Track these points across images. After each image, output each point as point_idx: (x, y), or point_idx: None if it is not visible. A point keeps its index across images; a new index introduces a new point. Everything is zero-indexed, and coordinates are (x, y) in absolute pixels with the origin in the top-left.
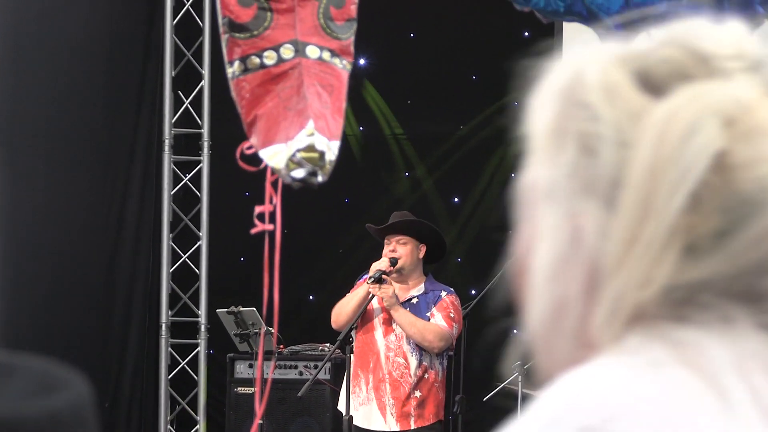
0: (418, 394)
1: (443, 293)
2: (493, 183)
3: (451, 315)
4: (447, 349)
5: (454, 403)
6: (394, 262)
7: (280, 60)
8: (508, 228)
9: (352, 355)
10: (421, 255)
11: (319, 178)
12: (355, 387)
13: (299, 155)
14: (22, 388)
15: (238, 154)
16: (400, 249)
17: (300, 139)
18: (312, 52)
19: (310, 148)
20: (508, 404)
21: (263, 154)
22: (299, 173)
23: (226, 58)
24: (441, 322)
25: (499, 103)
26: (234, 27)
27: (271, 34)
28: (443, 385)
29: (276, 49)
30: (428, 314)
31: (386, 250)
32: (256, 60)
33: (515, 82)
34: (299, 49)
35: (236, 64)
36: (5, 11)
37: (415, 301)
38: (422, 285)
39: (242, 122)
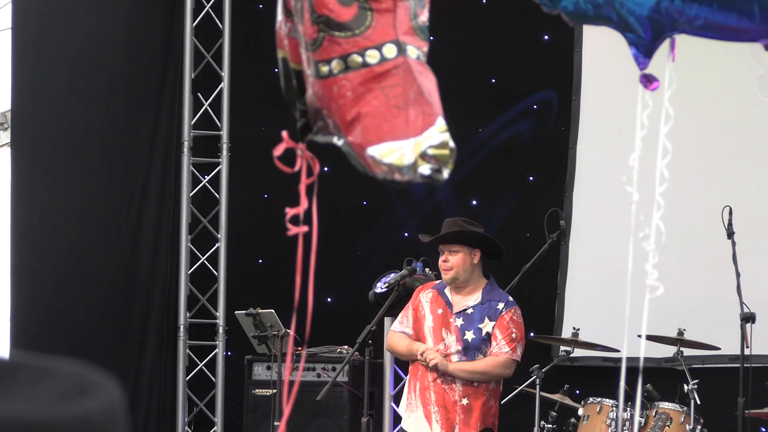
0: (465, 401)
1: (501, 305)
2: (511, 185)
3: (513, 335)
4: None
5: None
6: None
7: (383, 59)
8: (526, 230)
9: (369, 357)
10: (476, 260)
11: (445, 175)
12: (409, 394)
13: (431, 151)
14: (55, 391)
15: (279, 153)
16: (451, 259)
17: (432, 135)
18: (411, 52)
19: (444, 144)
20: (526, 407)
21: (371, 151)
22: (426, 170)
23: (318, 56)
24: (504, 347)
25: (518, 106)
26: (333, 25)
27: (372, 33)
28: (495, 394)
29: (378, 48)
30: (480, 326)
31: (440, 260)
32: (358, 59)
33: (534, 85)
34: (402, 48)
35: (335, 62)
36: (25, 14)
37: (470, 311)
38: (479, 293)
39: (330, 118)
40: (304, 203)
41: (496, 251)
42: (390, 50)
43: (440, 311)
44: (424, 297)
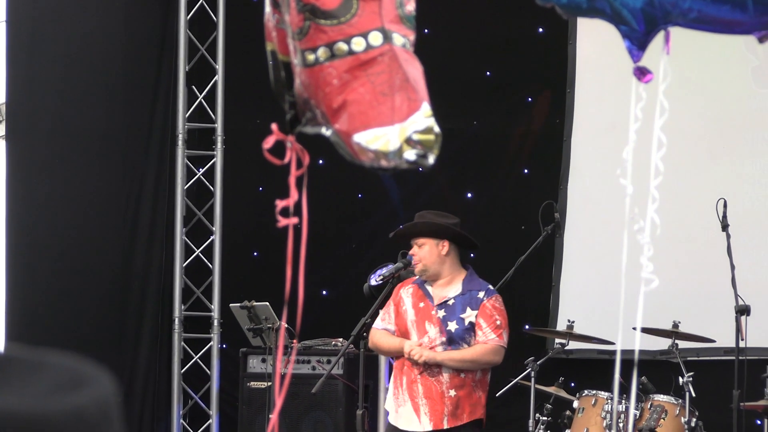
0: (452, 393)
1: (481, 294)
2: (506, 178)
3: (498, 322)
4: None
5: None
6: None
7: (369, 47)
8: (521, 223)
9: (363, 350)
10: (444, 251)
11: (430, 160)
12: (396, 389)
13: (416, 136)
14: (48, 384)
15: (265, 147)
16: (418, 251)
17: (417, 120)
18: (397, 39)
19: (429, 129)
20: (521, 400)
21: (357, 138)
22: (411, 155)
23: (304, 44)
24: (490, 335)
25: (513, 99)
26: (319, 13)
27: (358, 21)
28: (482, 384)
29: (364, 35)
30: (462, 315)
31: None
32: (344, 46)
33: (529, 77)
34: (387, 36)
35: (321, 50)
36: (20, 6)
37: (451, 302)
38: (460, 284)
39: (318, 108)
40: (294, 195)
41: (467, 242)
42: (376, 38)
43: (422, 305)
44: (405, 292)
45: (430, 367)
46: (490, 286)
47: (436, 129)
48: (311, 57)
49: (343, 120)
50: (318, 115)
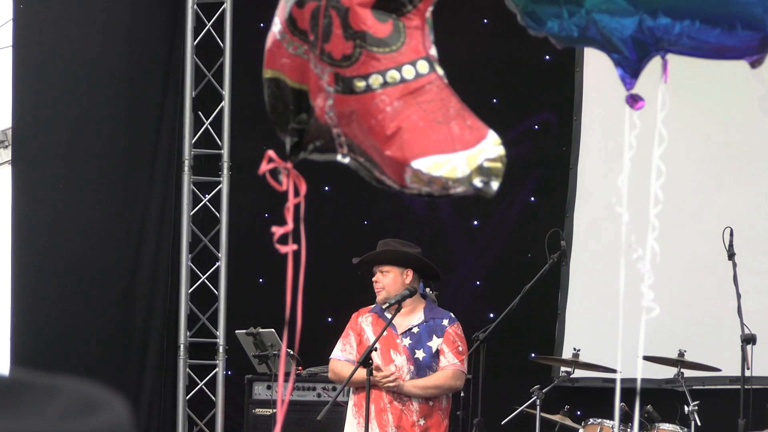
0: (422, 422)
1: (445, 321)
2: (512, 206)
3: (460, 348)
4: None
5: (473, 426)
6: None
7: (418, 75)
8: (527, 251)
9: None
10: (408, 280)
11: (494, 187)
12: (360, 418)
13: (487, 164)
14: (63, 408)
15: (264, 171)
16: (382, 279)
17: (487, 148)
18: (439, 69)
19: (500, 158)
20: (526, 428)
21: (417, 164)
22: (478, 182)
23: (353, 71)
24: (453, 359)
25: (519, 127)
26: (371, 41)
27: (407, 49)
28: (447, 412)
29: (413, 63)
30: (429, 343)
31: (373, 281)
32: (396, 75)
33: (535, 105)
34: (432, 65)
35: (373, 77)
36: (26, 32)
37: (416, 330)
38: (421, 312)
39: (342, 135)
40: (291, 223)
41: (431, 272)
42: (423, 66)
43: (384, 333)
44: (364, 321)
45: (400, 396)
46: (452, 314)
47: (505, 158)
48: (361, 84)
49: (396, 146)
50: (338, 142)
